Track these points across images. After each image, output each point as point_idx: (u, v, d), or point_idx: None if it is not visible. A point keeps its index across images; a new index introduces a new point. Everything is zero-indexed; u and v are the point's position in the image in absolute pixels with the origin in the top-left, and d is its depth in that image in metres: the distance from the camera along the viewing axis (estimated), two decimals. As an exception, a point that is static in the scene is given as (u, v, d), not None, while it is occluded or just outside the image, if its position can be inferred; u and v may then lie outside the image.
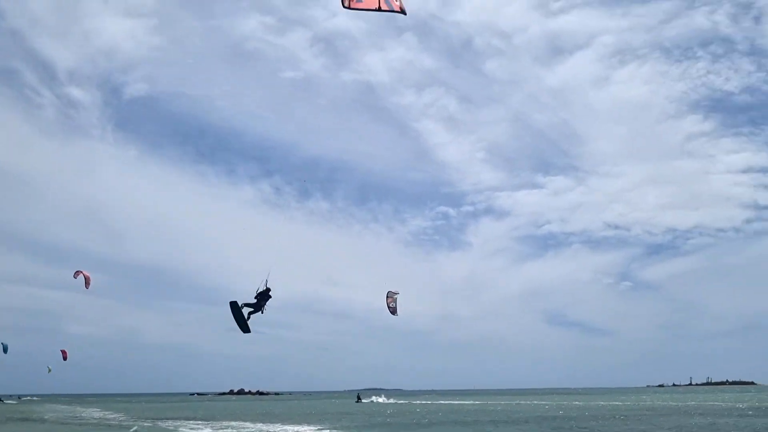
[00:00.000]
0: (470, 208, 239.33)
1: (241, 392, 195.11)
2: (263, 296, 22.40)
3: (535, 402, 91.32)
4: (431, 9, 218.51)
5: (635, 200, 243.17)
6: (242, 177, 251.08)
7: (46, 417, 66.41)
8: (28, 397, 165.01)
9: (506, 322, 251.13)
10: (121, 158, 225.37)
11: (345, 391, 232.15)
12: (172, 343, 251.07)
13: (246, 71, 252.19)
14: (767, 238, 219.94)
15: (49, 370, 63.99)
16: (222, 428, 47.76)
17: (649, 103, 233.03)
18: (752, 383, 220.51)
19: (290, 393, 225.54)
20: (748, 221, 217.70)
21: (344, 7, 16.01)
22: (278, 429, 46.42)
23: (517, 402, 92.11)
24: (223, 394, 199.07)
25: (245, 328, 22.74)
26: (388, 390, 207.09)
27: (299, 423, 51.30)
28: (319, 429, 45.31)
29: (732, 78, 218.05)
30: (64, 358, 58.94)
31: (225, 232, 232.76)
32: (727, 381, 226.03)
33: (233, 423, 52.37)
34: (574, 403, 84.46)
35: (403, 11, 16.25)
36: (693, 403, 77.90)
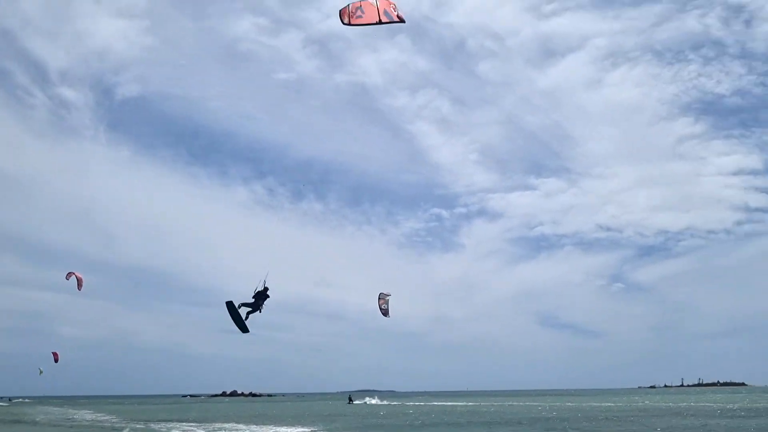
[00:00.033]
0: (463, 210, 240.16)
1: (234, 394, 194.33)
2: (261, 296, 22.44)
3: (528, 403, 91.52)
4: (424, 11, 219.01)
5: (627, 202, 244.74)
6: (235, 178, 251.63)
7: (37, 419, 66.09)
8: (20, 399, 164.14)
9: (499, 323, 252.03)
10: (113, 159, 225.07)
11: (338, 392, 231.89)
12: (165, 345, 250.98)
13: (239, 72, 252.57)
14: (758, 239, 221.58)
15: (41, 372, 63.52)
16: (215, 430, 47.69)
17: (641, 106, 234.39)
18: (743, 384, 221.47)
19: (283, 394, 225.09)
20: (739, 223, 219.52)
21: (345, 24, 16.22)
22: (271, 431, 46.41)
23: (510, 403, 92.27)
24: (216, 395, 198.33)
25: (244, 328, 22.77)
26: (381, 391, 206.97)
27: (293, 425, 51.22)
28: (312, 431, 45.32)
29: (723, 81, 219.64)
30: (56, 360, 58.52)
31: (218, 233, 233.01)
32: (718, 382, 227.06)
33: (226, 425, 52.24)
34: (567, 404, 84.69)
35: (402, 20, 16.46)
36: (685, 404, 78.24)
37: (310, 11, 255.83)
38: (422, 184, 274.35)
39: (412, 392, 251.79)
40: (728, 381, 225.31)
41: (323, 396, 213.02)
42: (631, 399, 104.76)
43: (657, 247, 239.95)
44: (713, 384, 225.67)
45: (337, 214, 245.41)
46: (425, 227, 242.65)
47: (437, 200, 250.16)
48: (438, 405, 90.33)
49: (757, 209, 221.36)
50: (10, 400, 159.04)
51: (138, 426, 52.87)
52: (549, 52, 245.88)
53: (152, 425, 53.50)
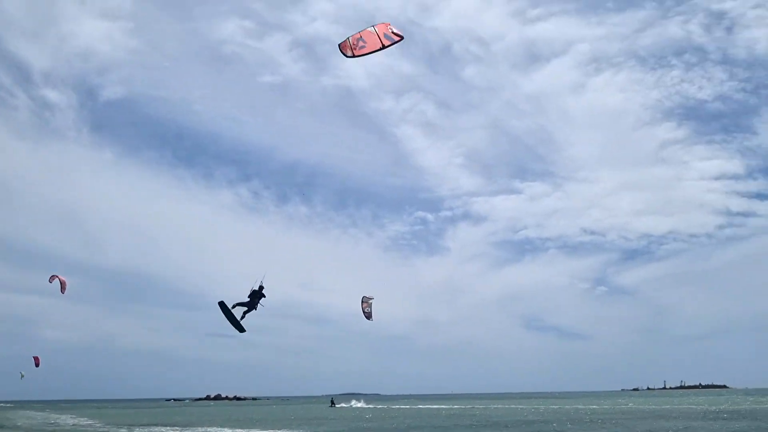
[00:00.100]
0: (448, 214, 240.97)
1: (218, 398, 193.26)
2: (256, 295, 22.51)
3: (513, 406, 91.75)
4: (410, 15, 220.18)
5: (611, 206, 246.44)
6: (220, 181, 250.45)
7: (18, 423, 65.31)
8: (1, 404, 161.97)
9: (484, 326, 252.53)
10: (97, 161, 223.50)
11: (323, 395, 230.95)
12: (149, 349, 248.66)
13: (225, 75, 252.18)
14: (739, 243, 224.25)
15: (22, 376, 62.72)
16: (199, 434, 47.37)
17: (624, 110, 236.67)
18: (725, 387, 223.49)
19: (268, 398, 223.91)
20: (721, 227, 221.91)
21: (348, 57, 16.50)
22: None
23: (496, 406, 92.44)
24: (200, 399, 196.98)
25: (239, 328, 22.86)
26: (366, 395, 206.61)
27: (278, 428, 51.02)
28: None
29: (705, 86, 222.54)
30: (36, 365, 57.80)
31: (203, 236, 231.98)
32: (700, 384, 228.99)
33: (210, 429, 51.87)
34: (552, 406, 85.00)
35: (401, 37, 16.81)
36: (668, 406, 78.82)
37: (296, 14, 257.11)
38: (407, 188, 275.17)
39: (397, 395, 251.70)
40: (710, 383, 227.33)
41: (308, 399, 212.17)
42: (615, 401, 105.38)
43: (640, 251, 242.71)
44: (695, 386, 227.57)
45: (322, 217, 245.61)
46: (410, 230, 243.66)
47: (422, 204, 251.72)
48: (423, 408, 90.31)
49: (738, 213, 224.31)
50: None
51: (121, 430, 52.43)
52: (534, 57, 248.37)
53: (136, 430, 53.05)
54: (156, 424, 58.97)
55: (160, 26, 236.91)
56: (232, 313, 22.63)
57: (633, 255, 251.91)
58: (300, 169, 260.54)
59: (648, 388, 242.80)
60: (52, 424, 64.94)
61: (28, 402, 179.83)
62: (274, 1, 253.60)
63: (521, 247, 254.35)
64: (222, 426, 54.92)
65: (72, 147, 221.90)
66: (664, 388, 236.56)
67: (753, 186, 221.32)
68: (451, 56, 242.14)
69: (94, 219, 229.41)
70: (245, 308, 22.67)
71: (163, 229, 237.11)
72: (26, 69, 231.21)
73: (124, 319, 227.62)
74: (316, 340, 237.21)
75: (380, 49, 16.51)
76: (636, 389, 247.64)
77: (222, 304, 22.79)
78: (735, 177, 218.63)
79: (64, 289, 40.39)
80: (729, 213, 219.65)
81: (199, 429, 51.94)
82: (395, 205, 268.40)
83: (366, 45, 16.44)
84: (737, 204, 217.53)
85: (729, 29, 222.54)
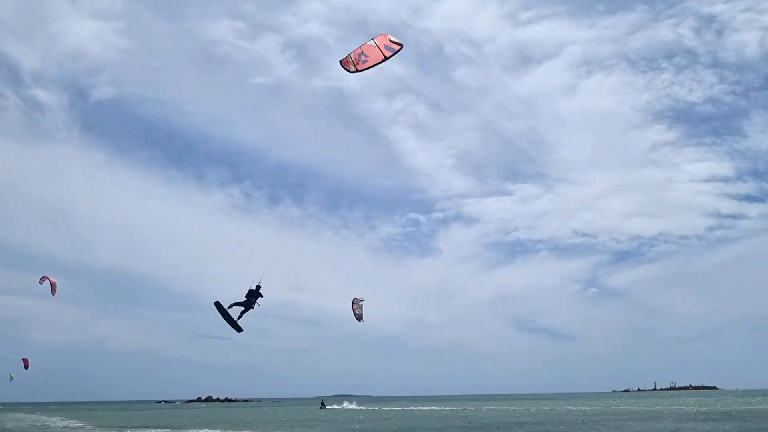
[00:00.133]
0: (440, 215, 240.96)
1: (209, 399, 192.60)
2: (253, 294, 22.49)
3: (505, 407, 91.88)
4: (402, 16, 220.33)
5: (602, 208, 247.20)
6: (212, 182, 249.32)
7: (8, 425, 64.86)
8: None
9: (476, 328, 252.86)
10: (87, 161, 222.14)
11: (314, 397, 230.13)
12: (139, 350, 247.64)
13: (216, 76, 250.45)
14: (729, 245, 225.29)
15: (12, 378, 62.24)
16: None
17: (615, 113, 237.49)
18: (714, 388, 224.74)
19: (259, 400, 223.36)
20: (711, 229, 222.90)
21: (351, 72, 16.64)
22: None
23: (487, 407, 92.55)
24: (191, 401, 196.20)
25: (236, 328, 22.85)
26: (357, 396, 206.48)
27: (270, 430, 50.92)
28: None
29: (695, 89, 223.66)
30: (26, 367, 57.37)
31: (194, 237, 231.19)
32: (690, 386, 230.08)
33: (201, 431, 51.73)
34: (544, 408, 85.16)
35: (401, 45, 16.96)
36: (659, 407, 79.17)
37: (288, 15, 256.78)
38: (399, 189, 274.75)
39: (390, 397, 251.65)
40: (700, 385, 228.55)
41: (299, 401, 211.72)
42: (606, 403, 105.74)
43: (631, 253, 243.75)
44: (685, 388, 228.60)
45: (314, 219, 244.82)
46: (402, 232, 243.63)
47: (414, 205, 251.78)
48: (415, 409, 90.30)
49: (728, 215, 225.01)
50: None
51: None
52: (525, 59, 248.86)
53: (126, 432, 52.83)
54: (147, 426, 58.71)
55: (152, 26, 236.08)
56: (228, 312, 22.60)
57: (624, 257, 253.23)
58: (292, 171, 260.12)
59: (639, 389, 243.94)
60: (41, 426, 64.53)
61: (18, 404, 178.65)
62: (266, 2, 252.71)
63: (513, 249, 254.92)
64: (213, 428, 54.70)
65: (63, 147, 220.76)
66: (655, 389, 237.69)
67: (742, 188, 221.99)
68: (443, 58, 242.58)
69: (84, 220, 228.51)
70: (242, 308, 22.67)
71: (154, 230, 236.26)
72: (16, 69, 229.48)
73: (114, 320, 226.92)
74: (308, 341, 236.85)
75: (383, 61, 16.67)
76: (627, 390, 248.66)
77: (218, 304, 22.77)
78: (725, 179, 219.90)
79: (55, 290, 40.16)
80: (719, 215, 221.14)
81: (190, 431, 51.75)
82: (387, 207, 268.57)
83: (369, 59, 16.62)
84: (727, 206, 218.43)
85: (719, 32, 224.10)
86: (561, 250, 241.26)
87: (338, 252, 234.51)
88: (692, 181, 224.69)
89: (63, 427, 62.00)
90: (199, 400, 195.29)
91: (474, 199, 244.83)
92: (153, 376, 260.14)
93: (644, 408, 78.66)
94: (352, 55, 16.65)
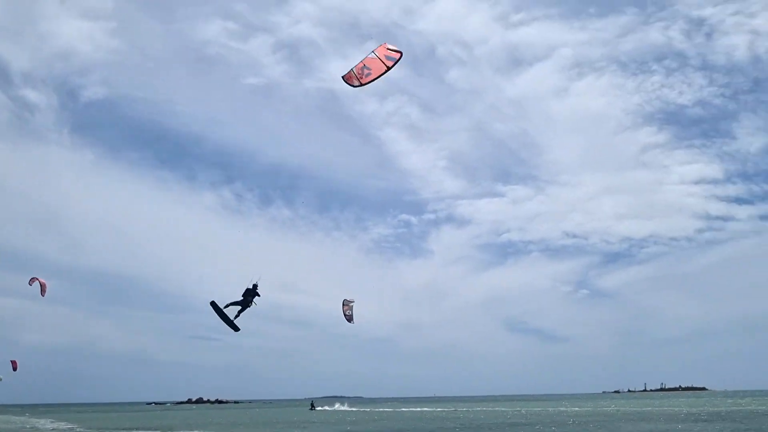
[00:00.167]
0: (432, 216, 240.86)
1: (199, 401, 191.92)
2: (250, 293, 22.48)
3: (497, 408, 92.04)
4: (394, 18, 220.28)
5: (593, 210, 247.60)
6: (203, 183, 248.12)
7: (-4, 428, 64.36)
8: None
9: (467, 329, 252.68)
10: (78, 162, 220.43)
11: (305, 398, 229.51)
12: (130, 352, 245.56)
13: (208, 76, 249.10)
14: (718, 247, 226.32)
15: (0, 380, 61.74)
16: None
17: (606, 115, 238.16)
18: (704, 389, 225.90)
19: (250, 401, 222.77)
20: (700, 231, 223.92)
21: (355, 87, 16.68)
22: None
23: (479, 409, 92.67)
24: (182, 403, 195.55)
25: (233, 327, 22.86)
26: (348, 398, 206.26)
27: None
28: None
29: (685, 92, 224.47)
30: (14, 369, 56.94)
31: (185, 238, 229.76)
32: (680, 387, 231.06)
33: (193, 433, 51.55)
34: (535, 409, 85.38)
35: (400, 53, 17.14)
36: (649, 408, 79.48)
37: (280, 16, 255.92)
38: (391, 191, 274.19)
39: (381, 398, 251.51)
40: (690, 386, 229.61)
41: (291, 402, 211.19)
42: (597, 404, 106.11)
43: (621, 254, 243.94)
44: (675, 389, 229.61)
45: (305, 220, 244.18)
46: (394, 233, 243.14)
47: (406, 206, 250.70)
48: (407, 411, 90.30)
49: (717, 217, 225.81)
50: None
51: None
52: (517, 61, 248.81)
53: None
54: (137, 428, 58.42)
55: (143, 27, 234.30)
56: (224, 312, 22.58)
57: (614, 258, 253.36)
58: (283, 172, 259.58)
59: (629, 390, 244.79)
60: (31, 428, 64.06)
61: (7, 406, 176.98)
62: (257, 3, 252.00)
63: (504, 251, 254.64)
64: (204, 429, 54.51)
65: (53, 148, 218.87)
66: (645, 390, 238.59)
67: (732, 190, 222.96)
68: (435, 59, 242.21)
69: (74, 220, 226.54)
70: (239, 307, 22.68)
71: (144, 231, 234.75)
72: (5, 69, 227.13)
73: (105, 321, 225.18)
74: (299, 342, 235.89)
75: (386, 71, 16.69)
76: (617, 391, 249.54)
77: (213, 304, 22.75)
78: (714, 181, 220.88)
79: (44, 291, 39.85)
80: (708, 217, 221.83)
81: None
82: (379, 208, 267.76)
83: (371, 72, 16.63)
84: (716, 208, 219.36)
85: (708, 35, 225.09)
86: (552, 251, 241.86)
87: (330, 253, 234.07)
88: (682, 183, 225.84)
89: (52, 429, 61.59)
90: (189, 401, 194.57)
91: (466, 201, 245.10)
92: (143, 378, 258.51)
93: (635, 409, 78.98)
94: (354, 69, 16.66)
